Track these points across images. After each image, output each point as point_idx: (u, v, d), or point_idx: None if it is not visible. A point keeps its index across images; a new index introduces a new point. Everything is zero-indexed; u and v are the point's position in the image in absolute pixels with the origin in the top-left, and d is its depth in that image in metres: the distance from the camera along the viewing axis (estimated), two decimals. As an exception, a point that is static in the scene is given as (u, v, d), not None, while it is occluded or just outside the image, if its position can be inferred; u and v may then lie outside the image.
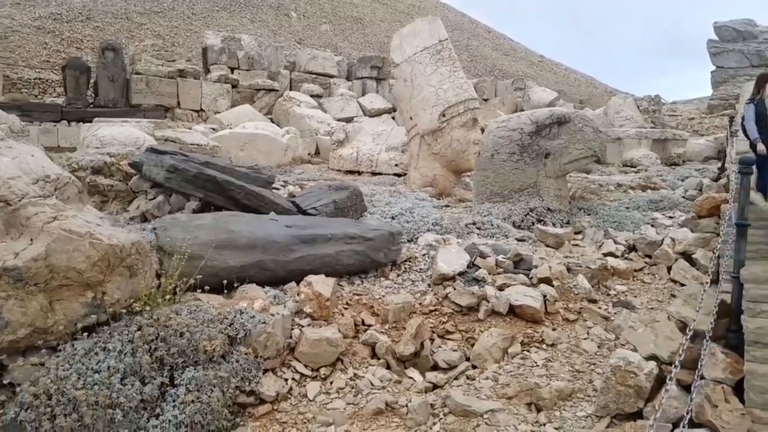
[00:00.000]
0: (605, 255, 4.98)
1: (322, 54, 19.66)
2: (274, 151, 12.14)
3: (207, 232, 3.79)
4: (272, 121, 16.01)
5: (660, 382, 2.65)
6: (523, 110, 19.90)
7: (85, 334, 2.75)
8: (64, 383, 2.45)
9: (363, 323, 3.67)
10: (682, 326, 2.83)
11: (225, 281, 3.59)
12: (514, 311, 3.86)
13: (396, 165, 11.42)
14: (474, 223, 5.72)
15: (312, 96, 17.52)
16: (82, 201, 3.08)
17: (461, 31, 39.23)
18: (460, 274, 4.21)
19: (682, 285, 4.24)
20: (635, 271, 4.74)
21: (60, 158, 7.37)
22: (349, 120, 16.18)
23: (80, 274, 2.67)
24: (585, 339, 3.61)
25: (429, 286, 4.17)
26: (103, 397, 2.47)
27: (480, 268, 4.31)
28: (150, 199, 6.00)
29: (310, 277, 3.61)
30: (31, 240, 2.58)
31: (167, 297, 3.08)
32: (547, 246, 5.24)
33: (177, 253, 3.49)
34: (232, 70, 18.10)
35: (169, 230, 3.74)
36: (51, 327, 2.61)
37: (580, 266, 4.61)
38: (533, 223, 5.87)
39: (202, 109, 16.72)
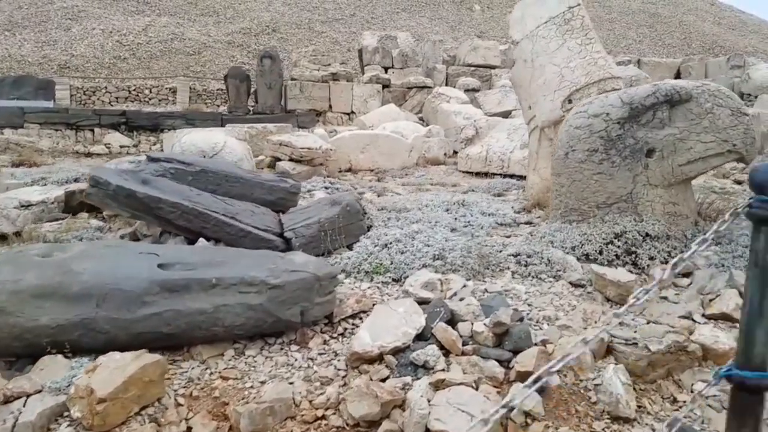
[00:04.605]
0: (710, 318, 2.90)
1: (484, 44, 17.94)
2: (398, 152, 11.04)
3: (41, 272, 2.82)
4: (422, 119, 14.97)
5: None
6: (742, 94, 15.77)
7: None
8: None
9: (190, 432, 2.36)
10: None
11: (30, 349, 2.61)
12: (435, 438, 2.19)
13: (531, 165, 9.52)
14: (517, 255, 3.91)
15: (467, 90, 16.00)
16: None
17: (675, 5, 33.86)
18: (397, 352, 2.62)
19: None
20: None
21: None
22: (506, 114, 14.45)
23: None
24: None
25: (346, 368, 2.67)
26: None
27: (437, 341, 2.67)
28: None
29: (105, 357, 2.39)
30: None
31: None
32: (608, 299, 3.27)
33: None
34: (386, 69, 17.46)
35: (-2, 269, 2.86)
36: None
37: (635, 343, 2.64)
38: (619, 256, 3.85)
39: (352, 112, 16.36)
